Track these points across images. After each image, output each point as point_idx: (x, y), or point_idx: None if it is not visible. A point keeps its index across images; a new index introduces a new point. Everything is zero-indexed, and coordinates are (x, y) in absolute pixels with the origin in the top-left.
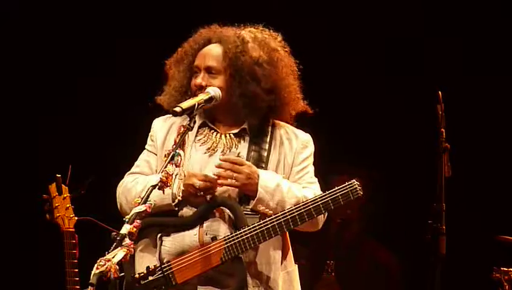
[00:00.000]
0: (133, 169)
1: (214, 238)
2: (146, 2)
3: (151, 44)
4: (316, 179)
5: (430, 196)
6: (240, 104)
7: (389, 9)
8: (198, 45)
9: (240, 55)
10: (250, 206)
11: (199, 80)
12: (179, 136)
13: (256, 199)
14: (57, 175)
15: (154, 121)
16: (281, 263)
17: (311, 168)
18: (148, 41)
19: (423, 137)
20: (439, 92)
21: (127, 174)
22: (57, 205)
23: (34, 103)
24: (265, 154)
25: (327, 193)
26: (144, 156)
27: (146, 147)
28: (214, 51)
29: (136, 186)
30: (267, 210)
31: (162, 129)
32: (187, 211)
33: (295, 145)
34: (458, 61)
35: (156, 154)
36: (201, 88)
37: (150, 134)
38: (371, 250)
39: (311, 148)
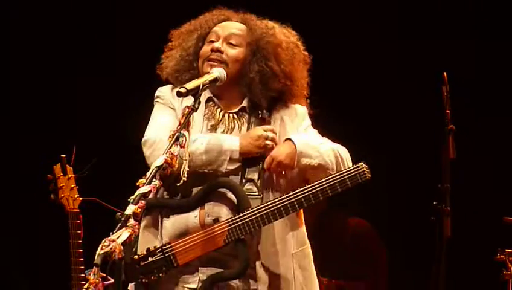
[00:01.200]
0: (158, 132)
1: (215, 220)
2: None
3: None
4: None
5: (435, 177)
6: (255, 80)
7: None
8: (217, 20)
9: (265, 35)
10: (296, 164)
11: (217, 44)
12: (184, 117)
13: (297, 152)
14: (62, 155)
15: (159, 88)
16: (292, 243)
17: (313, 129)
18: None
19: (428, 118)
20: (445, 73)
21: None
22: (61, 185)
23: (39, 83)
24: None
25: (334, 175)
26: (160, 118)
27: (157, 108)
28: (238, 25)
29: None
30: (311, 161)
31: (175, 97)
32: (188, 192)
33: (296, 120)
34: (466, 43)
35: (173, 108)
36: (218, 52)
37: (158, 97)
38: (342, 222)
39: (306, 115)
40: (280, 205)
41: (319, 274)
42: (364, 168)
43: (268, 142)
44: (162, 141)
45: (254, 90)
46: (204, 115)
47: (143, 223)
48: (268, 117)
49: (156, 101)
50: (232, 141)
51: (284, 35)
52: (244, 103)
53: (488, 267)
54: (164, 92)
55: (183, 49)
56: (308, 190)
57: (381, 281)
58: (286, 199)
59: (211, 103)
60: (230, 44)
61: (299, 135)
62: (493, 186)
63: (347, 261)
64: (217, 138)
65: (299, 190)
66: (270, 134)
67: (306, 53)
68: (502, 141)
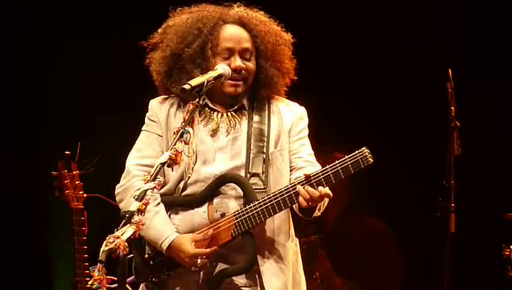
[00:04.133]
0: (135, 154)
1: (223, 215)
2: None
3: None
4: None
5: (439, 174)
6: (261, 82)
7: None
8: (213, 24)
9: (265, 36)
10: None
11: (238, 62)
12: (188, 114)
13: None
14: (66, 152)
15: (150, 101)
16: (289, 234)
17: (308, 141)
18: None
19: (433, 115)
20: (449, 70)
21: (129, 159)
22: (65, 182)
23: (44, 82)
24: (265, 128)
25: (337, 162)
26: (144, 137)
27: (144, 128)
28: (243, 34)
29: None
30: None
31: (162, 110)
32: (196, 189)
33: (292, 117)
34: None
35: (159, 135)
36: (240, 71)
37: (147, 115)
38: (360, 222)
39: (306, 119)
40: (285, 195)
41: (336, 274)
42: (367, 153)
43: (198, 261)
44: (132, 175)
45: (259, 91)
46: (200, 122)
47: None
48: (267, 113)
49: (145, 120)
50: (164, 238)
51: (273, 28)
52: (244, 101)
53: (492, 264)
54: (154, 109)
55: (176, 56)
56: (312, 178)
57: (395, 284)
58: (291, 188)
59: (205, 108)
60: (246, 58)
61: None
62: (498, 182)
63: (363, 263)
64: (156, 228)
65: (303, 178)
66: (200, 258)
67: (289, 36)
68: (507, 135)
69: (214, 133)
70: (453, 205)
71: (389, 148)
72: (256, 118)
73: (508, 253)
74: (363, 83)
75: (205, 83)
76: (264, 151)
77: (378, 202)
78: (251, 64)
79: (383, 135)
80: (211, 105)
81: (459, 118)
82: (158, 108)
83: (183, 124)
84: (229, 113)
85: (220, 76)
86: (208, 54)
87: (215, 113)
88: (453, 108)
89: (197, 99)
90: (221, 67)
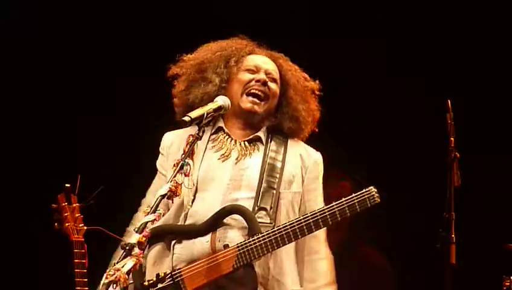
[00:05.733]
0: (148, 198)
1: (226, 246)
2: None
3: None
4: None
5: (439, 205)
6: (286, 117)
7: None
8: (244, 51)
9: (295, 73)
10: None
11: (263, 76)
12: (188, 145)
13: None
14: (66, 185)
15: (164, 135)
16: (293, 280)
17: (321, 188)
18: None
19: (432, 146)
20: (448, 101)
21: (143, 202)
22: (66, 214)
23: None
24: (279, 165)
25: (344, 199)
26: (156, 179)
27: (157, 165)
28: (270, 61)
29: None
30: None
31: (175, 143)
32: (199, 220)
33: (307, 162)
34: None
35: (164, 175)
36: (265, 84)
37: (160, 148)
38: (363, 256)
39: (321, 166)
40: (289, 229)
41: None
42: (374, 193)
43: None
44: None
45: (284, 123)
46: (210, 149)
47: (155, 249)
48: (283, 152)
49: (158, 158)
50: None
51: (300, 73)
52: (260, 134)
53: None
54: (165, 143)
55: (198, 68)
56: (318, 214)
57: None
58: (296, 224)
59: (220, 132)
60: (271, 78)
61: None
62: (498, 213)
63: None
64: None
65: (309, 214)
66: None
67: (315, 84)
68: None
69: (224, 159)
70: (453, 236)
71: (389, 179)
72: (272, 154)
73: (508, 284)
74: (362, 116)
75: (205, 115)
76: (275, 187)
77: (379, 231)
78: (275, 86)
79: (383, 166)
80: (226, 130)
81: (459, 149)
82: (168, 141)
83: (183, 155)
84: (242, 143)
85: (219, 108)
86: (231, 64)
87: (229, 139)
88: (452, 139)
89: (197, 131)
90: (221, 99)
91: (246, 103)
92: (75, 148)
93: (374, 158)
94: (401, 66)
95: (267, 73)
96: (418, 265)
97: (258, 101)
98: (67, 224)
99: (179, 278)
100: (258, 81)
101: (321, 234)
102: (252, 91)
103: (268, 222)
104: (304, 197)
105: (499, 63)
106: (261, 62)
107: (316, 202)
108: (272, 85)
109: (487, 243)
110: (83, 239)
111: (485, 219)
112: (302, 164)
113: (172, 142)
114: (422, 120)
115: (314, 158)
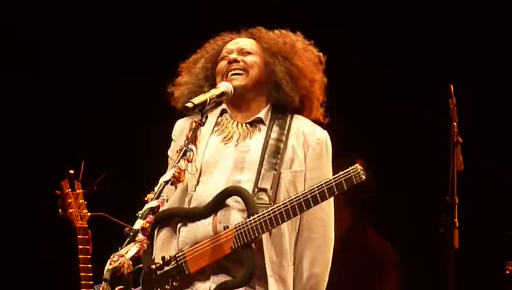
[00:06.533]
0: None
1: (226, 227)
2: None
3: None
4: None
5: (442, 189)
6: (284, 81)
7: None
8: (224, 41)
9: (279, 38)
10: None
11: (233, 55)
12: (191, 131)
13: None
14: (70, 171)
15: (176, 122)
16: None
17: (327, 168)
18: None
19: (435, 131)
20: (451, 86)
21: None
22: (69, 201)
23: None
24: (281, 146)
25: (331, 178)
26: (169, 163)
27: (169, 152)
28: (245, 38)
29: None
30: None
31: (185, 129)
32: (202, 202)
33: (310, 140)
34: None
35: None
36: (235, 62)
37: (172, 135)
38: (364, 239)
39: (326, 145)
40: (282, 209)
41: None
42: (360, 170)
43: None
44: None
45: (283, 91)
46: (214, 132)
47: (163, 233)
48: (287, 131)
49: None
50: None
51: (295, 38)
52: (261, 115)
53: (495, 280)
54: (176, 130)
55: (192, 75)
56: (307, 193)
57: None
58: (288, 203)
59: (224, 115)
60: (245, 53)
61: None
62: (501, 198)
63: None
64: None
65: (299, 194)
66: None
67: (319, 53)
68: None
69: (226, 142)
70: (456, 220)
71: (391, 164)
72: (273, 134)
73: (511, 269)
74: (364, 100)
75: (208, 101)
76: (276, 168)
77: (381, 218)
78: (250, 58)
79: (385, 151)
80: (229, 111)
81: (462, 134)
82: (180, 127)
83: (186, 142)
84: (244, 125)
85: (222, 94)
86: (218, 61)
87: (231, 121)
88: (455, 124)
89: (200, 117)
90: (224, 85)
91: (230, 81)
92: (80, 135)
93: (377, 144)
94: (403, 52)
95: (239, 50)
96: (421, 250)
97: (236, 76)
98: (71, 210)
99: (182, 261)
100: (229, 62)
101: (327, 216)
102: (228, 73)
103: (268, 202)
104: (306, 175)
105: (500, 54)
106: (232, 44)
107: (320, 181)
108: (247, 58)
109: (490, 228)
110: (86, 225)
111: (487, 203)
112: (305, 140)
113: (184, 127)
114: (425, 106)
115: (318, 135)
